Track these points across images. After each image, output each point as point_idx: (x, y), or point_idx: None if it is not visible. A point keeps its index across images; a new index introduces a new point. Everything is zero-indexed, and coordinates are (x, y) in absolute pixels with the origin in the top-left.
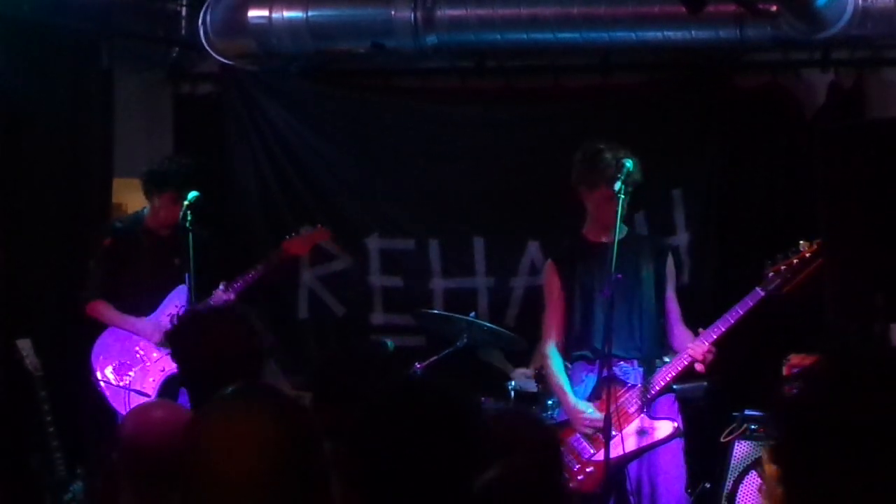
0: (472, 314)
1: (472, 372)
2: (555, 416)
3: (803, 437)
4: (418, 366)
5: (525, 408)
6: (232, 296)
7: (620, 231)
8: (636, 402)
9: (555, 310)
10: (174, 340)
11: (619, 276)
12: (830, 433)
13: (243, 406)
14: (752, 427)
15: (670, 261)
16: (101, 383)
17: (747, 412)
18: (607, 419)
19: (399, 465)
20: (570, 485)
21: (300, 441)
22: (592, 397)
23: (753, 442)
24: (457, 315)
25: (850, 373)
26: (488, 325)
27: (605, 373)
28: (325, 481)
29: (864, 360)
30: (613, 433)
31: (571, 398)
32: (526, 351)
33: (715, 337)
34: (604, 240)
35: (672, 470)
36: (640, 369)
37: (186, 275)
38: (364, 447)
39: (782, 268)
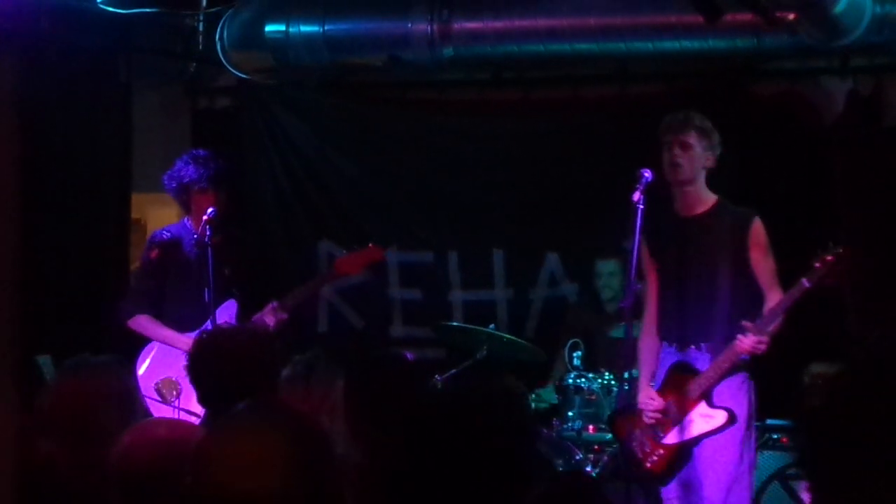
0: (492, 326)
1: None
2: (575, 427)
3: (828, 446)
4: (438, 378)
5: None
6: (285, 315)
7: (701, 206)
8: (699, 389)
9: (649, 286)
10: (194, 358)
11: (639, 286)
12: (854, 443)
13: (255, 424)
14: (775, 436)
15: (753, 232)
16: (146, 400)
17: (769, 421)
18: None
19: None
20: (646, 465)
21: (313, 459)
22: (664, 381)
23: (776, 452)
24: (476, 327)
25: (872, 382)
26: (508, 336)
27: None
28: (338, 499)
29: (887, 369)
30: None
31: (643, 384)
32: (546, 363)
33: (766, 329)
34: (699, 211)
35: (714, 464)
36: (708, 355)
37: (206, 290)
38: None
39: (829, 259)
